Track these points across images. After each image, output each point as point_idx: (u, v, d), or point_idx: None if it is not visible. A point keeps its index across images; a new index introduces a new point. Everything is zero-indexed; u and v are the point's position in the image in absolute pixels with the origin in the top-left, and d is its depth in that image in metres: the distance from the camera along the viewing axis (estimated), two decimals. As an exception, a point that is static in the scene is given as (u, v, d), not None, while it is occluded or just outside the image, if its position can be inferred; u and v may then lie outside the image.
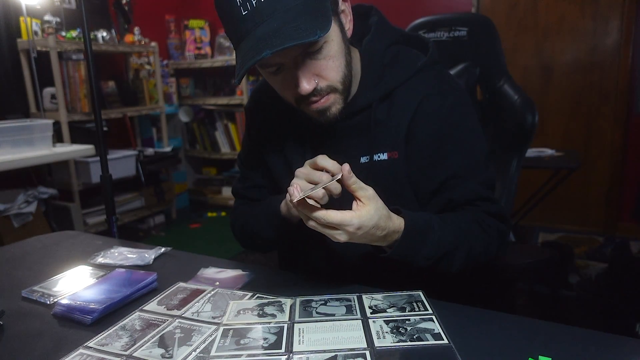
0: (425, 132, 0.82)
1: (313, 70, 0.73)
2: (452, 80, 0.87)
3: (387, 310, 0.66)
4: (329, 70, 0.74)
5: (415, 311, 0.65)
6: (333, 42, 0.73)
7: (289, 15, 0.67)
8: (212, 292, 0.74)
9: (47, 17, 2.70)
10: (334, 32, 0.73)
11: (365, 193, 0.66)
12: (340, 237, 0.66)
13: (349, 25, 0.79)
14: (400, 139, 0.83)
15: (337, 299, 0.70)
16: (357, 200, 0.66)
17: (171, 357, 0.57)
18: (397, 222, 0.71)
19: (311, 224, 0.66)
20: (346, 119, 0.84)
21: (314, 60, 0.73)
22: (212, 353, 0.57)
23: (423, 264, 0.75)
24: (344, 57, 0.76)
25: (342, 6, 0.77)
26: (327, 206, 0.67)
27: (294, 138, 0.90)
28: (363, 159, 0.84)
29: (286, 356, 0.56)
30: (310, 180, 0.72)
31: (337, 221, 0.64)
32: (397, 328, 0.60)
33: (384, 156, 0.83)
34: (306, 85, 0.73)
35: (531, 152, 2.22)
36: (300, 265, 0.97)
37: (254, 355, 0.56)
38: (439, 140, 0.82)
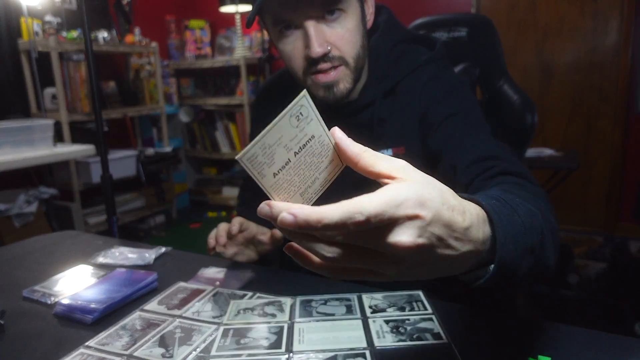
0: (433, 118, 0.79)
1: (327, 36, 0.72)
2: (451, 71, 0.86)
3: (387, 309, 0.66)
4: (344, 41, 0.73)
5: (415, 311, 0.65)
6: (351, 17, 0.73)
7: None
8: (213, 292, 0.75)
9: (48, 18, 2.70)
10: (353, 7, 0.73)
11: (393, 164, 0.38)
12: (387, 267, 0.36)
13: (369, 17, 0.80)
14: (409, 132, 0.80)
15: (337, 299, 0.70)
16: (383, 181, 0.38)
17: (171, 356, 0.57)
18: (472, 206, 0.41)
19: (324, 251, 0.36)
20: (349, 116, 0.83)
21: (329, 27, 0.72)
22: (212, 353, 0.57)
23: (525, 267, 0.46)
24: (360, 37, 0.76)
25: None
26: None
27: None
28: None
29: (286, 356, 0.56)
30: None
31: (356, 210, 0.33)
32: (397, 327, 0.61)
33: (388, 152, 0.81)
34: (317, 48, 0.70)
35: (531, 152, 2.22)
36: (301, 265, 0.98)
37: (254, 354, 0.56)
38: (444, 123, 0.77)
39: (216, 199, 3.80)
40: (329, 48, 0.72)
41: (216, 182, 3.92)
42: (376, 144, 0.82)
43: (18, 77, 2.72)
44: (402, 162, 0.38)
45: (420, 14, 1.36)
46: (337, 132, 0.39)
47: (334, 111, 0.82)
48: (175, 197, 3.57)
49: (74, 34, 2.74)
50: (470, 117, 0.77)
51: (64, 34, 2.73)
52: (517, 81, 1.19)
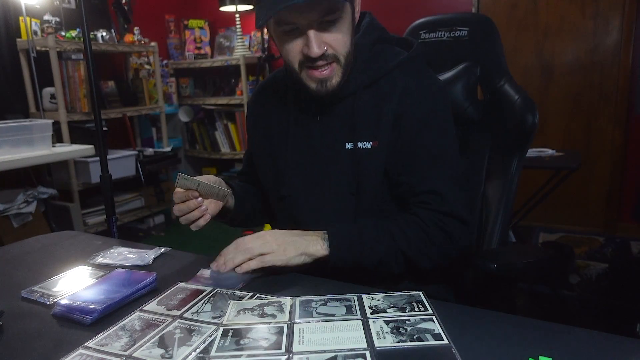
0: (405, 123, 0.87)
1: (324, 38, 0.81)
2: (431, 76, 0.94)
3: (387, 310, 0.66)
4: (337, 42, 0.82)
5: (415, 311, 0.65)
6: (345, 20, 0.82)
7: None
8: (212, 292, 0.74)
9: (46, 17, 2.70)
10: (347, 12, 0.82)
11: None
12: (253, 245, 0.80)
13: (356, 17, 0.88)
14: (383, 128, 0.87)
15: (337, 299, 0.70)
16: None
17: (171, 357, 0.57)
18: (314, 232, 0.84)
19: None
20: (331, 105, 0.90)
21: (326, 30, 0.80)
22: (212, 353, 0.57)
23: (364, 262, 0.83)
24: (350, 37, 0.84)
25: None
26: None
27: (279, 125, 0.97)
28: (348, 145, 0.89)
29: (286, 356, 0.55)
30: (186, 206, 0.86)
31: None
32: (397, 328, 0.60)
33: (368, 145, 0.88)
34: (316, 49, 0.79)
35: (532, 152, 2.22)
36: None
37: (253, 355, 0.56)
38: (413, 132, 0.87)
39: (216, 198, 3.79)
40: (325, 48, 0.81)
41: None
42: (357, 134, 0.89)
43: (17, 77, 2.72)
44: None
45: (421, 14, 1.36)
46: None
47: (318, 98, 0.88)
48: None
49: (73, 33, 2.74)
50: (438, 142, 0.88)
51: (63, 33, 2.72)
52: (517, 81, 1.18)
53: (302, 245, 0.81)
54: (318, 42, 0.79)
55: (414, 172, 0.87)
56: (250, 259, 0.79)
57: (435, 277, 0.94)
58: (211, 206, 0.89)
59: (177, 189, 0.86)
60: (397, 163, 0.88)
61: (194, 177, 0.86)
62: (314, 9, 0.77)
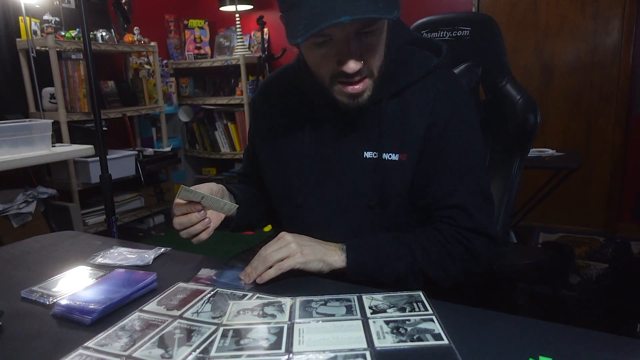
0: (436, 132, 0.83)
1: (361, 51, 0.75)
2: (460, 82, 0.89)
3: (387, 310, 0.66)
4: (373, 55, 0.76)
5: (415, 311, 0.65)
6: (383, 31, 0.77)
7: None
8: (212, 292, 0.74)
9: (46, 17, 2.70)
10: (385, 23, 0.77)
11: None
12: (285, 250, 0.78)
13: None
14: (413, 141, 0.83)
15: (337, 299, 0.70)
16: None
17: (171, 357, 0.57)
18: (334, 243, 0.82)
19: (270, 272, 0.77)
20: (356, 112, 0.84)
21: (363, 43, 0.74)
22: (212, 353, 0.57)
23: (388, 275, 0.80)
24: (384, 49, 0.79)
25: None
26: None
27: (292, 130, 0.92)
28: (368, 154, 0.85)
29: (286, 356, 0.55)
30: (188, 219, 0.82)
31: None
32: (397, 328, 0.60)
33: (395, 157, 0.83)
34: (353, 65, 0.74)
35: (532, 152, 2.21)
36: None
37: (253, 355, 0.56)
38: (442, 141, 0.83)
39: (215, 198, 3.79)
40: (362, 63, 0.75)
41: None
42: (382, 145, 0.84)
43: (16, 77, 2.72)
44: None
45: (422, 14, 1.35)
46: None
47: (342, 108, 0.83)
48: (175, 197, 3.56)
49: (73, 33, 2.73)
50: (467, 153, 0.84)
51: (63, 33, 2.72)
52: (518, 81, 1.19)
53: (321, 252, 0.79)
54: (356, 57, 0.74)
55: (440, 184, 0.83)
56: (270, 267, 0.76)
57: (453, 297, 0.91)
58: (213, 217, 0.85)
59: (178, 201, 0.81)
60: (423, 173, 0.84)
61: (196, 188, 0.81)
62: (355, 22, 0.70)
